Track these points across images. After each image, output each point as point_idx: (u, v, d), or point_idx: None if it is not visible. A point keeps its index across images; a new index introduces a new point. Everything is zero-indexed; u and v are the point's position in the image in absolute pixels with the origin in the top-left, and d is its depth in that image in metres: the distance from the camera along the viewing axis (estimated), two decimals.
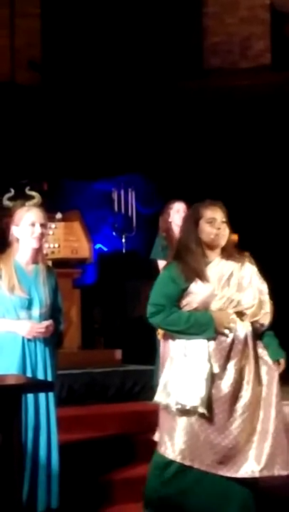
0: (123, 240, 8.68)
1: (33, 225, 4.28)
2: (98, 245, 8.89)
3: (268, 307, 4.17)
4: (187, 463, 3.97)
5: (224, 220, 4.14)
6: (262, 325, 4.12)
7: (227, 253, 4.14)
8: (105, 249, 9.15)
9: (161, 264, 6.30)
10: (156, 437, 4.17)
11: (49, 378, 4.23)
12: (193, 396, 3.91)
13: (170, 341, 4.10)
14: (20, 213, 4.35)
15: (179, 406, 3.94)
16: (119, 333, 7.73)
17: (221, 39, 10.39)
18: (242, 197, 9.38)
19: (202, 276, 4.03)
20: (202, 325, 3.98)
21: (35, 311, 4.26)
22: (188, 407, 3.92)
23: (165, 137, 9.65)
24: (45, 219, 4.38)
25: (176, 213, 6.41)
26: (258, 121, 9.65)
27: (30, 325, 4.21)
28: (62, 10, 10.16)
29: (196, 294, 4.03)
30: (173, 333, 4.04)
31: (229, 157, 9.58)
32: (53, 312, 4.37)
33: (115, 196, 8.75)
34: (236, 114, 9.69)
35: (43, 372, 4.23)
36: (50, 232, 6.95)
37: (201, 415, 3.94)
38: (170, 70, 9.94)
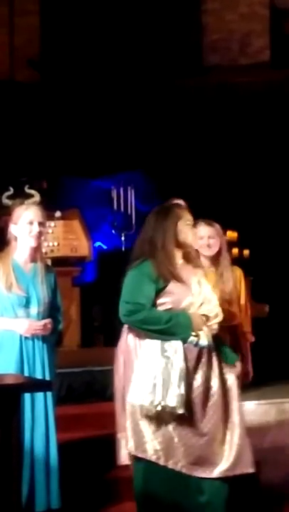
0: (122, 238, 8.65)
1: (31, 223, 4.27)
2: (98, 243, 8.87)
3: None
4: (162, 463, 3.95)
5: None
6: (216, 330, 4.14)
7: (189, 257, 4.20)
8: (105, 247, 9.13)
9: None
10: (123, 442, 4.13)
11: (47, 377, 4.22)
12: (174, 397, 3.89)
13: (142, 342, 4.06)
14: (18, 211, 4.34)
15: (159, 407, 3.89)
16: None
17: (220, 36, 10.37)
18: (242, 194, 9.38)
19: (178, 277, 4.05)
20: (182, 326, 3.97)
21: (33, 310, 4.25)
22: (168, 409, 3.89)
23: (165, 134, 9.63)
24: (43, 217, 4.37)
25: None
26: (258, 118, 9.64)
27: (29, 323, 4.20)
28: (61, 7, 10.15)
29: (173, 294, 4.03)
30: (150, 333, 4.00)
31: (229, 154, 9.57)
32: (52, 311, 4.37)
33: (114, 194, 8.73)
34: (236, 112, 9.68)
35: (41, 370, 4.22)
36: (50, 231, 6.95)
37: (177, 416, 3.92)
38: (169, 67, 9.92)
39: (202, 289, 4.11)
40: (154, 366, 3.94)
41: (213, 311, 4.09)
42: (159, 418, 3.94)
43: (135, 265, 4.11)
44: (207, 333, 4.02)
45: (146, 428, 3.97)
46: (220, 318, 4.11)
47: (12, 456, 3.12)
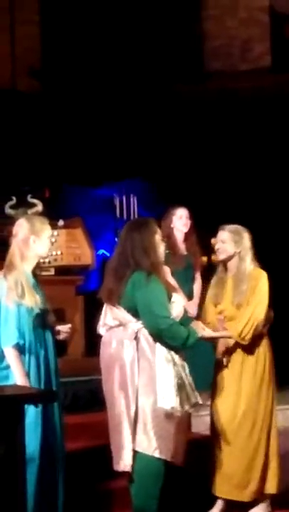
0: None
1: (50, 237, 4.41)
2: (101, 251, 8.87)
3: None
4: (171, 460, 4.19)
5: None
6: None
7: None
8: (108, 254, 9.13)
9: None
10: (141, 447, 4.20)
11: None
12: (177, 399, 4.14)
13: (148, 347, 4.21)
14: (39, 225, 4.38)
15: (187, 407, 4.17)
16: None
17: (220, 42, 10.38)
18: (243, 199, 9.37)
19: (174, 289, 4.39)
20: (191, 340, 4.28)
21: (48, 319, 4.35)
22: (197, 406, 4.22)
23: (166, 141, 9.64)
24: None
25: (179, 219, 6.38)
26: (259, 123, 9.64)
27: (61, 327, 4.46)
28: (61, 16, 10.16)
29: (176, 303, 4.27)
30: (170, 343, 4.19)
31: (230, 160, 9.57)
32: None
33: (117, 202, 8.74)
34: (237, 117, 9.68)
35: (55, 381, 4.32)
36: (53, 240, 6.94)
37: (178, 416, 4.18)
38: (170, 74, 9.94)
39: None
40: (171, 370, 4.15)
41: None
42: (182, 421, 4.21)
43: (146, 278, 4.18)
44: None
45: (172, 430, 4.17)
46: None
47: (17, 466, 3.12)
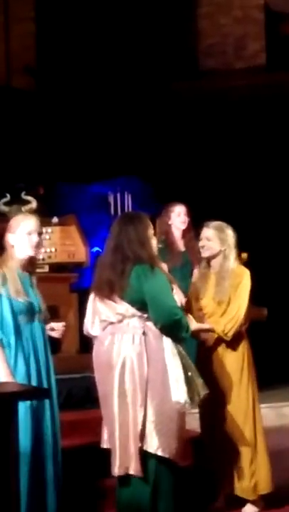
0: None
1: (29, 233, 4.30)
2: (95, 248, 8.86)
3: None
4: (173, 458, 4.17)
5: None
6: None
7: None
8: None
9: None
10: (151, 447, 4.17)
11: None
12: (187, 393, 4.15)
13: (155, 341, 4.18)
14: (16, 221, 4.37)
15: (197, 399, 4.19)
16: None
17: (215, 40, 10.37)
18: (239, 198, 9.37)
19: (172, 282, 4.32)
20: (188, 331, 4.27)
21: (38, 316, 4.31)
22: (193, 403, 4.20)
23: (161, 139, 9.63)
24: (41, 227, 4.43)
25: (177, 216, 6.40)
26: (254, 122, 9.64)
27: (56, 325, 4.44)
28: (56, 14, 10.15)
29: (176, 294, 4.34)
30: (176, 334, 4.17)
31: (225, 158, 9.57)
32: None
33: (112, 199, 8.73)
34: (232, 115, 9.68)
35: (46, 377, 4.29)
36: (47, 237, 6.94)
37: (181, 413, 4.20)
38: (165, 72, 9.92)
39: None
40: (177, 364, 4.13)
41: None
42: (183, 418, 4.22)
43: (150, 270, 4.17)
44: None
45: (174, 428, 4.13)
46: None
47: (10, 465, 3.10)
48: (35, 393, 3.77)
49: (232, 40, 10.35)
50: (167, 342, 4.14)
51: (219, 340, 4.84)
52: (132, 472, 4.11)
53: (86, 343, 7.34)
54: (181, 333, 4.16)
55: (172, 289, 4.26)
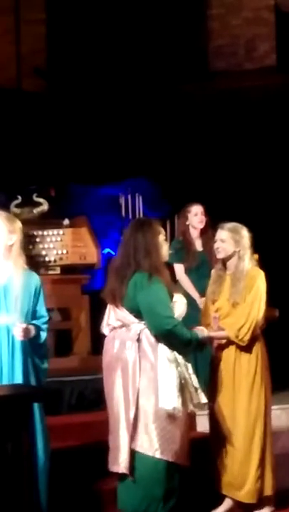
0: None
1: None
2: (107, 250, 8.88)
3: None
4: (173, 460, 4.23)
5: None
6: None
7: None
8: (114, 253, 9.14)
9: (178, 268, 6.30)
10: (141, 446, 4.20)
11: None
12: (202, 394, 4.29)
13: (150, 348, 4.24)
14: None
15: (191, 407, 4.26)
16: None
17: (225, 41, 10.36)
18: (249, 199, 9.36)
19: (175, 289, 4.42)
20: (194, 343, 4.35)
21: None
22: (200, 406, 4.30)
23: (171, 140, 9.64)
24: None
25: (195, 216, 6.44)
26: (265, 122, 9.63)
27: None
28: (67, 16, 10.17)
29: (178, 303, 4.34)
30: (172, 345, 4.22)
31: (235, 159, 9.56)
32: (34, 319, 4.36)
33: (122, 201, 8.75)
34: (242, 116, 9.67)
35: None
36: (58, 239, 6.99)
37: (180, 417, 4.23)
38: (175, 74, 9.93)
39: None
40: (174, 370, 4.18)
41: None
42: (185, 421, 4.26)
43: (147, 279, 4.18)
44: None
45: (175, 431, 4.18)
46: None
47: (23, 464, 3.13)
48: (46, 395, 3.79)
49: (242, 41, 10.35)
50: (162, 349, 4.21)
51: (231, 344, 4.82)
52: (124, 471, 4.24)
53: (98, 345, 7.37)
54: (177, 343, 4.20)
55: (172, 299, 4.28)
